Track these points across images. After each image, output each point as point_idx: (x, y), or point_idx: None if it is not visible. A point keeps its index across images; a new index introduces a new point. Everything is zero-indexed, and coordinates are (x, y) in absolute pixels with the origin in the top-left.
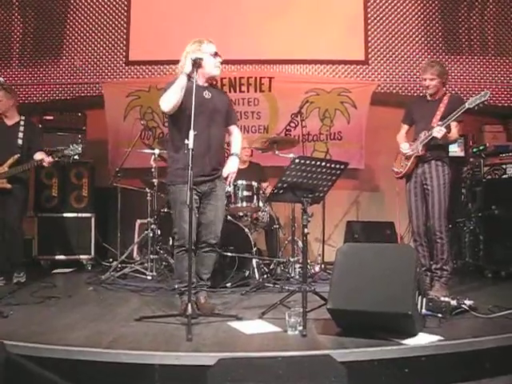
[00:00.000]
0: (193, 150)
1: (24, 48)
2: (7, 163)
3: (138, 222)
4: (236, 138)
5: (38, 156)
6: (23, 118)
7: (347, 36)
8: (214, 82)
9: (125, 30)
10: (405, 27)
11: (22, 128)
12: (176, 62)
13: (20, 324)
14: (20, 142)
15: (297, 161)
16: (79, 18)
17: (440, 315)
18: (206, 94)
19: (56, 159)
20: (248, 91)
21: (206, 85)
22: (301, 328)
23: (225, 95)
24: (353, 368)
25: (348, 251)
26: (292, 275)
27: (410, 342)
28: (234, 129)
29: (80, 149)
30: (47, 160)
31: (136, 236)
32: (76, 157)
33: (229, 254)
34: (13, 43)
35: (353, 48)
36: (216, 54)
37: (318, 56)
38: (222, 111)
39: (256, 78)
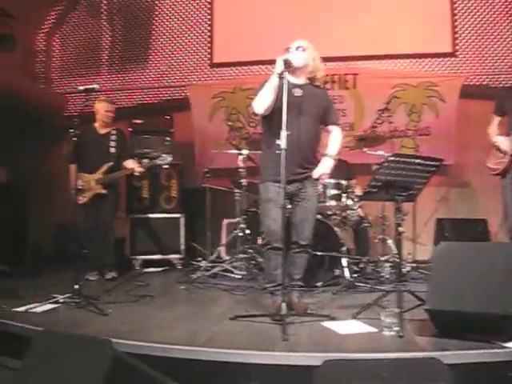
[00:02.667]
0: (286, 150)
1: (112, 55)
2: (101, 170)
3: (226, 221)
4: (333, 138)
5: (130, 164)
6: (114, 127)
7: (433, 28)
8: (316, 81)
9: (209, 33)
10: (494, 16)
11: (113, 137)
12: (260, 63)
13: (119, 322)
14: (113, 150)
15: (391, 158)
16: (164, 24)
17: None
18: (296, 92)
19: (145, 169)
20: (333, 89)
21: (299, 82)
22: (397, 329)
23: (322, 92)
24: (454, 371)
25: (446, 250)
26: (382, 274)
27: None
28: (332, 128)
29: (169, 159)
30: (138, 170)
31: (224, 235)
32: (165, 166)
33: (318, 253)
34: (102, 51)
35: (439, 40)
36: (288, 49)
37: (403, 50)
38: (314, 109)
39: (340, 75)
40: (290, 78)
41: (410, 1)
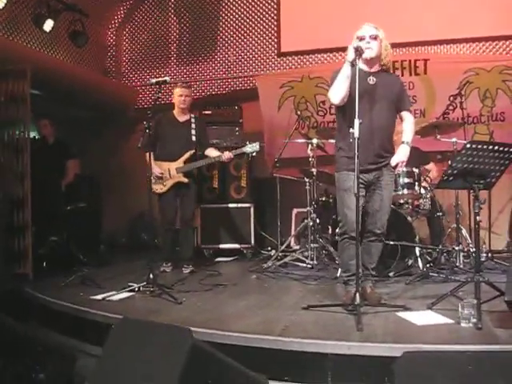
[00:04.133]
0: (358, 138)
1: (180, 47)
2: (183, 158)
3: (295, 210)
4: (407, 125)
5: (213, 152)
6: (193, 115)
7: (508, 8)
8: (384, 67)
9: (275, 22)
10: None
11: (193, 125)
12: (328, 51)
13: (193, 311)
14: (194, 138)
15: (468, 146)
16: (231, 14)
17: None
18: (371, 80)
19: (234, 155)
20: (402, 75)
21: (372, 70)
22: (475, 320)
23: (395, 79)
24: None
25: None
26: (457, 264)
27: None
28: (405, 114)
29: (258, 146)
30: (226, 156)
31: (293, 225)
32: (254, 154)
33: (391, 242)
34: (170, 43)
35: None
36: (362, 39)
37: (475, 33)
38: (389, 96)
39: (410, 60)
40: (363, 66)
41: None
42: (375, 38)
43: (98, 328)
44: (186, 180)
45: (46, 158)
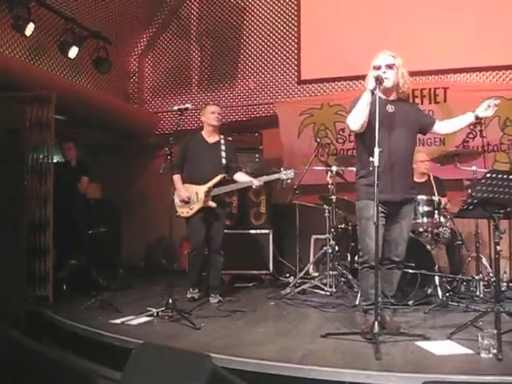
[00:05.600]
0: (378, 167)
1: (202, 74)
2: (212, 182)
3: (314, 237)
4: (447, 120)
5: (243, 177)
6: (222, 136)
7: None
8: (403, 95)
9: (296, 51)
10: None
11: (223, 147)
12: (348, 79)
13: (212, 336)
14: (224, 161)
15: (488, 175)
16: (252, 42)
17: None
18: (390, 108)
19: (267, 182)
20: (422, 103)
21: (390, 98)
22: (495, 351)
23: (412, 106)
24: None
25: None
26: (477, 294)
27: None
28: (437, 123)
29: (293, 174)
30: (256, 183)
31: (312, 251)
32: (288, 181)
33: (410, 270)
34: (192, 70)
35: None
36: (379, 68)
37: (495, 62)
38: (408, 124)
39: (430, 89)
40: (380, 94)
41: (501, 12)
42: (391, 66)
43: (116, 352)
44: (213, 205)
45: (68, 179)
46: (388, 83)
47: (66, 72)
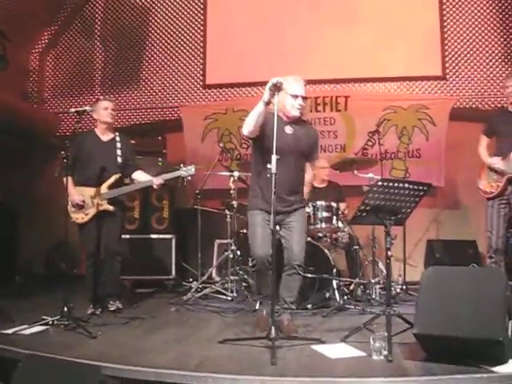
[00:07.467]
0: (276, 174)
1: (105, 75)
2: (107, 183)
3: (217, 242)
4: (307, 176)
5: (143, 176)
6: (117, 133)
7: (423, 51)
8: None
9: (201, 55)
10: (483, 40)
11: (118, 144)
12: (252, 85)
13: (109, 345)
14: (120, 160)
15: (380, 183)
16: (157, 45)
17: None
18: (288, 130)
19: (167, 180)
20: (324, 110)
21: (290, 120)
22: (386, 353)
23: (312, 131)
24: None
25: (434, 275)
26: (373, 297)
27: (500, 369)
28: (309, 166)
29: (193, 170)
30: (157, 182)
31: (215, 256)
32: (189, 178)
33: (309, 275)
34: (95, 71)
35: (429, 63)
36: (297, 97)
37: (394, 73)
38: (303, 149)
39: (332, 97)
40: (283, 116)
41: (401, 25)
42: (306, 98)
43: (5, 364)
44: (111, 208)
45: None
46: (299, 114)
47: None
